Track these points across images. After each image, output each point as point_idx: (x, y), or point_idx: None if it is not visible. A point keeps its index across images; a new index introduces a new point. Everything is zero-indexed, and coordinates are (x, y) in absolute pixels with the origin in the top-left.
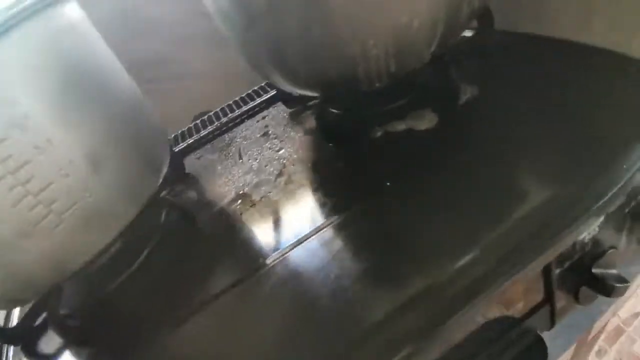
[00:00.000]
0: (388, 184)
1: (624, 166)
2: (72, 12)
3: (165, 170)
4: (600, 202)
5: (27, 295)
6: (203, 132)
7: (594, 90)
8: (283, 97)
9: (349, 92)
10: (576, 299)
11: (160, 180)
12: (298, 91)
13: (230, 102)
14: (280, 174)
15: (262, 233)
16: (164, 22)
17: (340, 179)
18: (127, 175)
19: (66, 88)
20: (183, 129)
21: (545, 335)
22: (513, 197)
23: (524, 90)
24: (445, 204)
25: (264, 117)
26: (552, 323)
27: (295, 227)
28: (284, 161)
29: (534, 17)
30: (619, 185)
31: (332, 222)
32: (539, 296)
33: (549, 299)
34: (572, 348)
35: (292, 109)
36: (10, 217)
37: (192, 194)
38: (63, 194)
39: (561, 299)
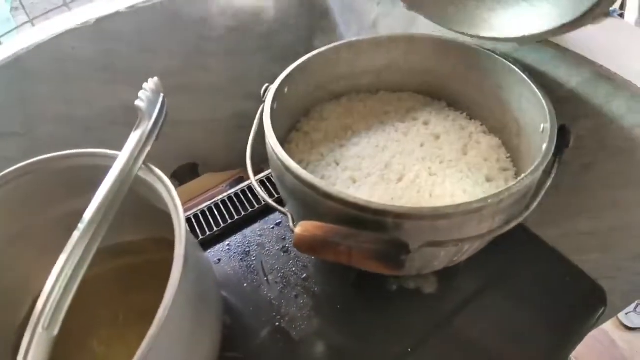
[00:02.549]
0: (410, 350)
1: None
2: None
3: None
4: None
5: None
6: (217, 230)
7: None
8: None
9: None
10: None
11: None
12: None
13: (236, 191)
14: (310, 314)
15: None
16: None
17: (367, 333)
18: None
19: None
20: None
21: None
22: None
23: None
24: None
25: (278, 224)
26: None
27: None
28: (312, 294)
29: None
30: None
31: None
32: None
33: None
34: None
35: None
36: None
37: (225, 319)
38: None
39: None
